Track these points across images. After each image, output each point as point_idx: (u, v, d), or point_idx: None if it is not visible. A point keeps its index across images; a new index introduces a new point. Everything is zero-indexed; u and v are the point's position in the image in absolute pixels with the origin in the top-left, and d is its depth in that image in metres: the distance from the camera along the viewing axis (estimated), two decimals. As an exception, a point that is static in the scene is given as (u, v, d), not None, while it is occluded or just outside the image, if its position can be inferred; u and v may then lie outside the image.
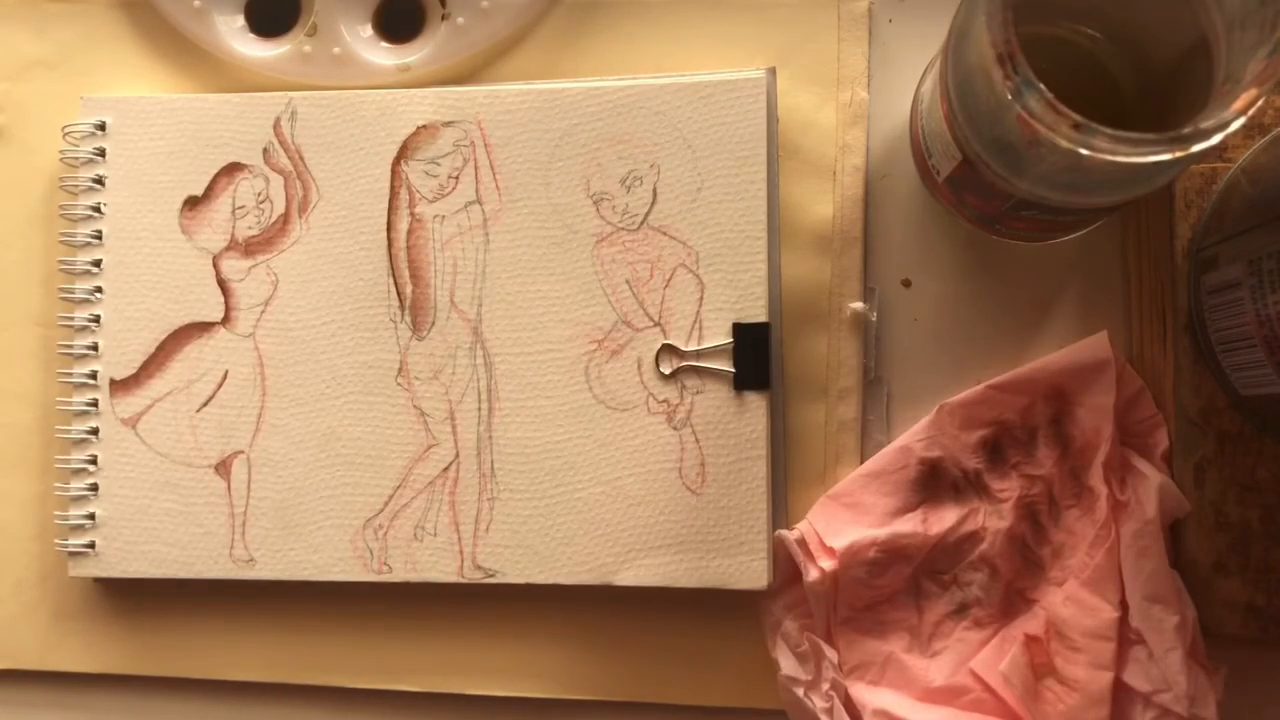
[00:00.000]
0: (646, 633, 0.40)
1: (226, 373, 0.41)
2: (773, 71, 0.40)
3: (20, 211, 0.44)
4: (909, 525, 0.38)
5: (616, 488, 0.39)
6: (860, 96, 0.41)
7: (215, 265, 0.42)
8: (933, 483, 0.38)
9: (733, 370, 0.39)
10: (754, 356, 0.39)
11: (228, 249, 0.42)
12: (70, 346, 0.42)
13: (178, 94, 0.43)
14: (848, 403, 0.40)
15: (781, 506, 0.39)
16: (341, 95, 0.41)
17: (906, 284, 0.41)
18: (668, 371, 0.39)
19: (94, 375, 0.42)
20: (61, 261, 0.42)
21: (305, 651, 0.41)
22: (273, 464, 0.41)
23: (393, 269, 0.41)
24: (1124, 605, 0.36)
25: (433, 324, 0.41)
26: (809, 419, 0.40)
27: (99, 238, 0.42)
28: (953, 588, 0.38)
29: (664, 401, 0.39)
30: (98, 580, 0.42)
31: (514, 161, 0.40)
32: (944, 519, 0.38)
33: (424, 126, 0.41)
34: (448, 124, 0.41)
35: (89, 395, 0.42)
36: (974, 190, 0.35)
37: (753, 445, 0.39)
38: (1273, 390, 0.34)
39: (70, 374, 0.42)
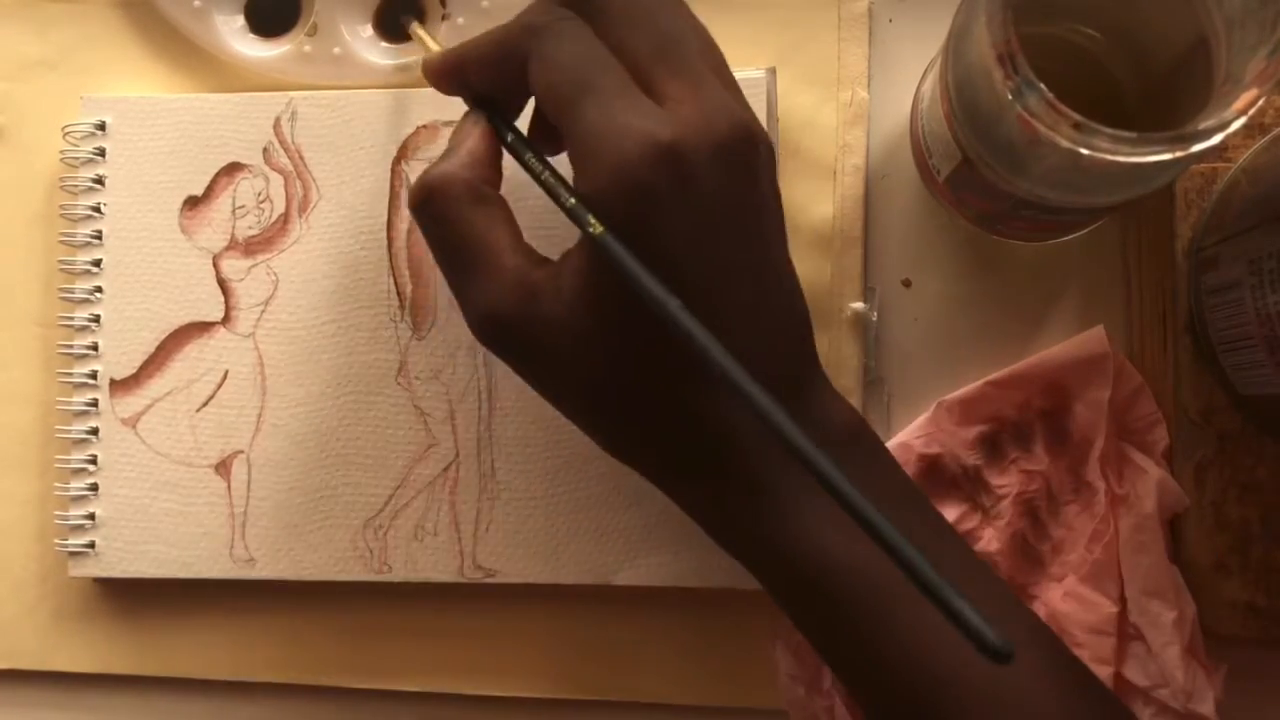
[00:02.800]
0: (646, 633, 0.40)
1: (226, 372, 0.41)
2: (773, 71, 0.40)
3: (20, 211, 0.44)
4: (909, 525, 0.38)
5: (616, 488, 0.39)
6: (860, 96, 0.41)
7: (215, 265, 0.42)
8: (931, 479, 0.38)
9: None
10: (754, 356, 0.39)
11: (228, 249, 0.42)
12: (70, 346, 0.42)
13: (178, 94, 0.43)
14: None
15: (782, 506, 0.39)
16: (341, 95, 0.41)
17: (906, 284, 0.41)
18: (668, 371, 0.39)
19: (94, 375, 0.42)
20: (61, 261, 0.42)
21: (305, 651, 0.41)
22: (273, 464, 0.41)
23: (393, 269, 0.41)
24: (1123, 600, 0.36)
25: (433, 324, 0.41)
26: (809, 419, 0.40)
27: (99, 238, 0.42)
28: (953, 587, 0.38)
29: (664, 401, 0.39)
30: (98, 580, 0.42)
31: (514, 161, 0.40)
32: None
33: (424, 126, 0.41)
34: (448, 124, 0.41)
35: (89, 395, 0.42)
36: (974, 190, 0.36)
37: (753, 445, 0.39)
38: (1273, 390, 0.34)
39: (70, 374, 0.42)
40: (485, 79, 0.33)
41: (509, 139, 0.32)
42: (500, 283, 0.30)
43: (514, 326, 0.30)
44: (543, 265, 0.31)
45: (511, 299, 0.30)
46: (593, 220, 0.28)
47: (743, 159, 0.29)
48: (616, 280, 0.28)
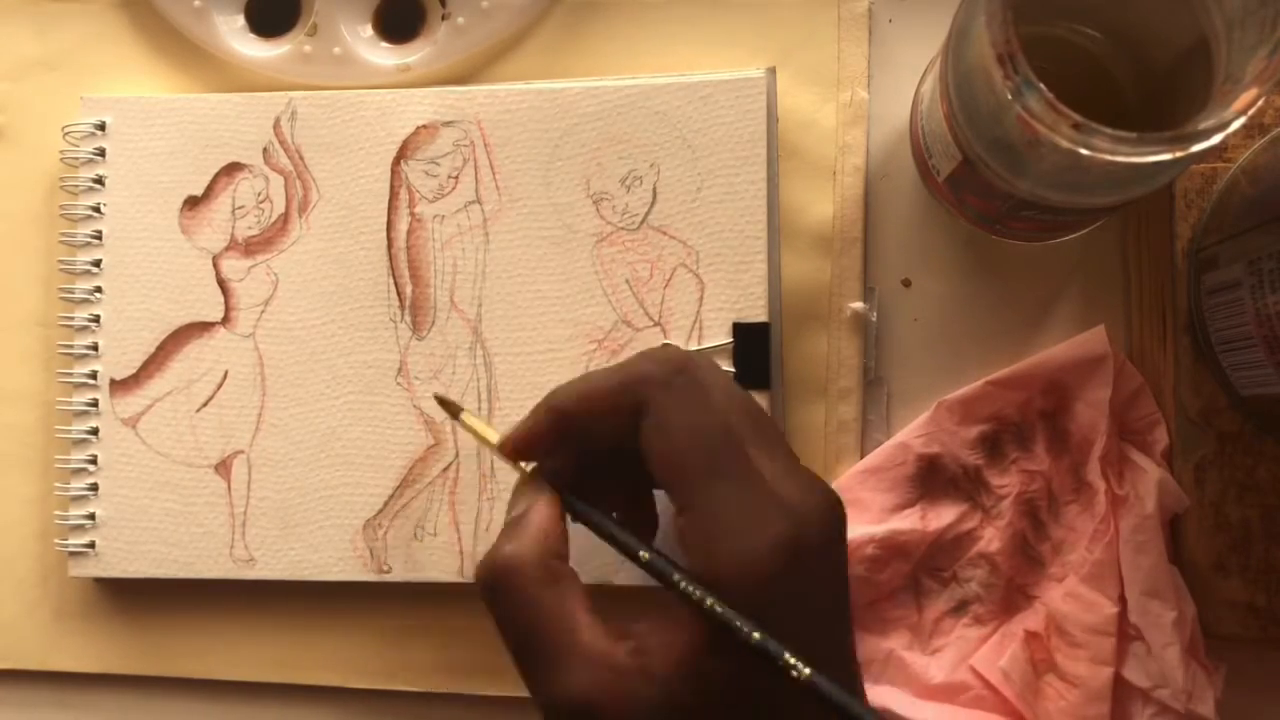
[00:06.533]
0: (647, 633, 0.40)
1: (226, 373, 0.41)
2: (773, 71, 0.40)
3: (20, 211, 0.44)
4: (907, 522, 0.38)
5: (617, 487, 0.39)
6: (860, 96, 0.41)
7: (215, 265, 0.42)
8: (931, 479, 0.38)
9: (733, 370, 0.39)
10: (754, 356, 0.39)
11: (228, 249, 0.42)
12: (70, 346, 0.42)
13: (178, 94, 0.43)
14: (848, 402, 0.40)
15: (781, 506, 0.39)
16: (341, 95, 0.41)
17: (906, 284, 0.41)
18: (668, 371, 0.39)
19: (94, 375, 0.42)
20: (61, 261, 0.42)
21: (305, 651, 0.41)
22: (273, 464, 0.41)
23: (393, 269, 0.41)
24: (1123, 600, 0.36)
25: (433, 324, 0.41)
26: (809, 419, 0.40)
27: (99, 238, 0.42)
28: (952, 584, 0.38)
29: (664, 401, 0.39)
30: (98, 580, 0.42)
31: (514, 161, 0.40)
32: (942, 515, 0.38)
33: (424, 126, 0.41)
34: (447, 124, 0.41)
35: (89, 395, 0.42)
36: (974, 190, 0.36)
37: (753, 445, 0.39)
38: (1273, 390, 0.34)
39: (70, 374, 0.42)
40: (592, 433, 0.32)
41: (601, 524, 0.31)
42: (582, 666, 0.29)
43: (600, 712, 0.28)
44: (621, 639, 0.29)
45: (596, 681, 0.28)
46: (741, 624, 0.27)
47: (838, 532, 0.30)
48: (729, 661, 0.28)
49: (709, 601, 0.28)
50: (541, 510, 0.32)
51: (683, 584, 0.28)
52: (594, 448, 0.32)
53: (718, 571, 0.28)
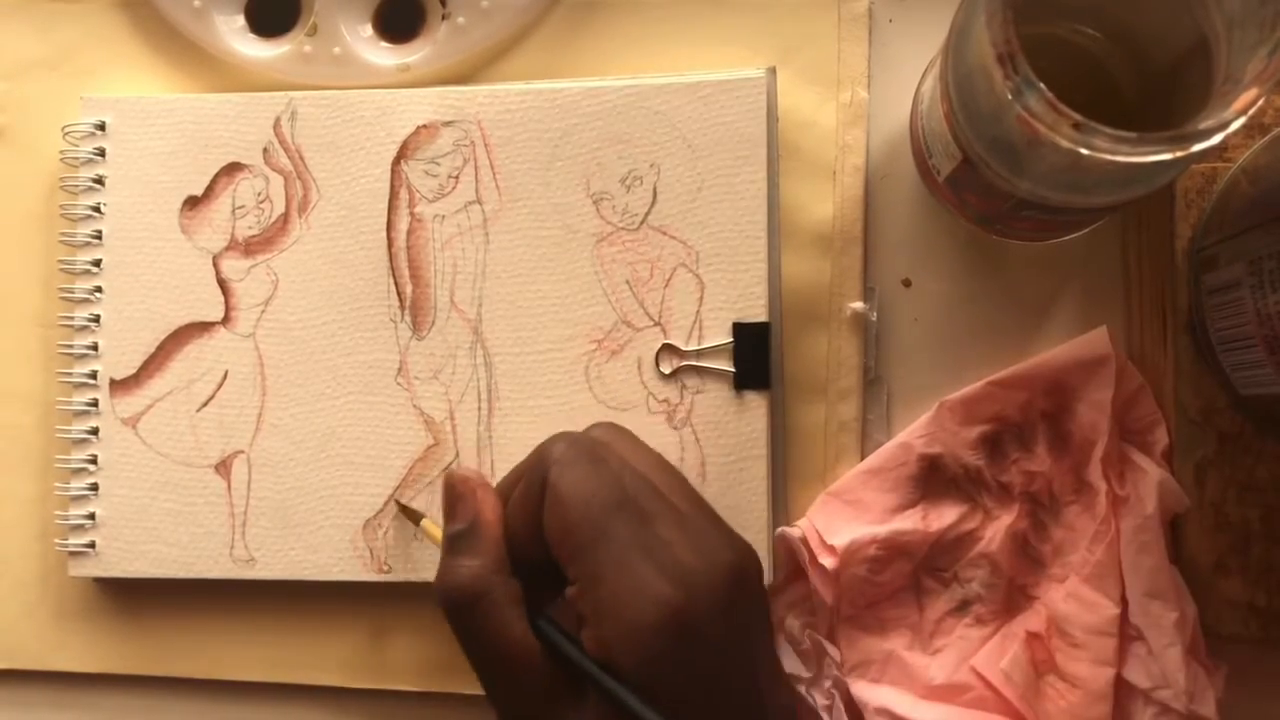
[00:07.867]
0: (646, 633, 0.40)
1: (226, 373, 0.41)
2: (773, 71, 0.40)
3: (20, 211, 0.44)
4: (909, 522, 0.38)
5: (617, 487, 0.39)
6: (860, 96, 0.41)
7: (215, 265, 0.42)
8: (933, 479, 0.38)
9: (733, 370, 0.39)
10: (754, 356, 0.39)
11: (228, 249, 0.42)
12: (70, 346, 0.42)
13: (178, 94, 0.43)
14: (848, 402, 0.40)
15: (781, 507, 0.39)
16: (341, 95, 0.41)
17: (906, 284, 0.41)
18: (668, 371, 0.39)
19: (94, 375, 0.42)
20: (61, 261, 0.42)
21: (305, 651, 0.41)
22: (273, 464, 0.41)
23: (393, 269, 0.41)
24: (1124, 601, 0.36)
25: (433, 324, 0.41)
26: (809, 419, 0.40)
27: (99, 237, 0.42)
28: (954, 585, 0.38)
29: (664, 401, 0.39)
30: (98, 580, 0.42)
31: (514, 161, 0.40)
32: (944, 516, 0.38)
33: (424, 126, 0.41)
34: (448, 124, 0.41)
35: (89, 395, 0.42)
36: (974, 190, 0.36)
37: (753, 445, 0.39)
38: (1273, 390, 0.34)
39: (70, 374, 0.42)
40: (518, 537, 0.33)
41: (548, 629, 0.32)
42: (534, 691, 0.31)
43: None
44: (564, 674, 0.31)
45: (544, 707, 0.31)
46: (616, 687, 0.29)
47: (740, 603, 0.30)
48: None
49: (593, 668, 0.29)
50: (489, 517, 0.33)
51: (586, 664, 0.30)
52: (524, 557, 0.33)
53: (607, 643, 0.29)
